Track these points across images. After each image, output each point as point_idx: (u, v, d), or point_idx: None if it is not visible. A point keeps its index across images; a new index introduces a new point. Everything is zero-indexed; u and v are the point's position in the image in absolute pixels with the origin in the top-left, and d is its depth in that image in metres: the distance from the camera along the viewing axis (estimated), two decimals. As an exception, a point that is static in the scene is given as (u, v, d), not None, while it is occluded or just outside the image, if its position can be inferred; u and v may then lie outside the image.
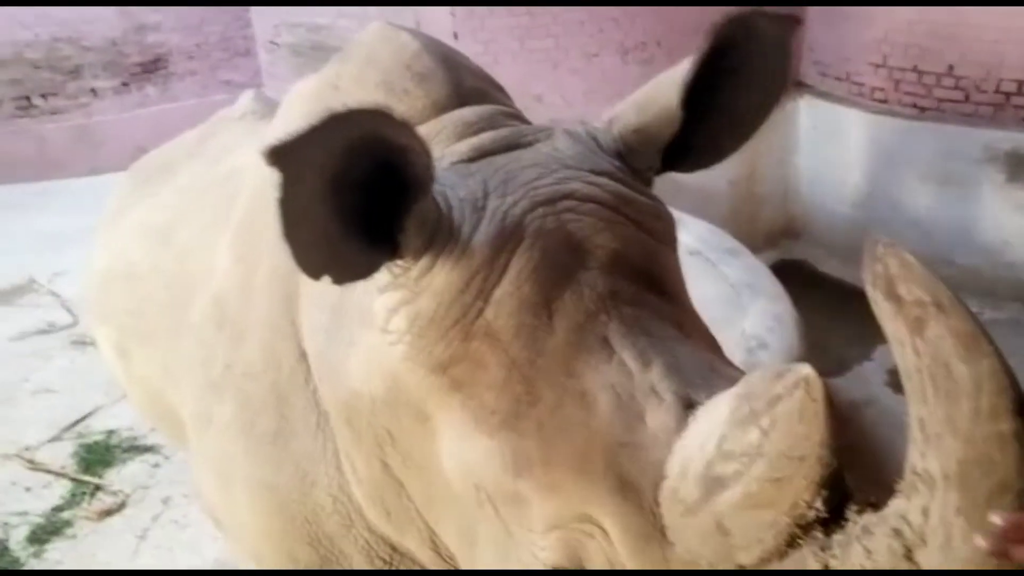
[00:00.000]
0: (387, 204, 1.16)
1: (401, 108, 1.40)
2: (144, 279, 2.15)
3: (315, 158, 1.01)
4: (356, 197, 1.10)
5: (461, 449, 1.21)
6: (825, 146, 5.27)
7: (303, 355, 1.58)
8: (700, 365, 1.17)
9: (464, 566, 1.37)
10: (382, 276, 1.22)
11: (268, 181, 1.40)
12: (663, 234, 1.31)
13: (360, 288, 1.32)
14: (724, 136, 1.35)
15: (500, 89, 1.66)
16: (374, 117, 1.02)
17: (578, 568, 1.10)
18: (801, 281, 4.41)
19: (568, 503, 1.10)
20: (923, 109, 4.86)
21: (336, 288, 1.42)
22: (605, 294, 1.19)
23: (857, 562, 0.91)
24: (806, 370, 0.95)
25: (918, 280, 0.85)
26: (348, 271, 1.16)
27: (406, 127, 1.05)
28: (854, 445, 1.01)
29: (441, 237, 1.19)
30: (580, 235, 1.22)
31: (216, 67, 8.64)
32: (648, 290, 1.24)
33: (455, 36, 5.13)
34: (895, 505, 0.90)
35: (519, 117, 1.52)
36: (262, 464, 1.64)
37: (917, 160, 4.80)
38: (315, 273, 1.12)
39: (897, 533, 0.89)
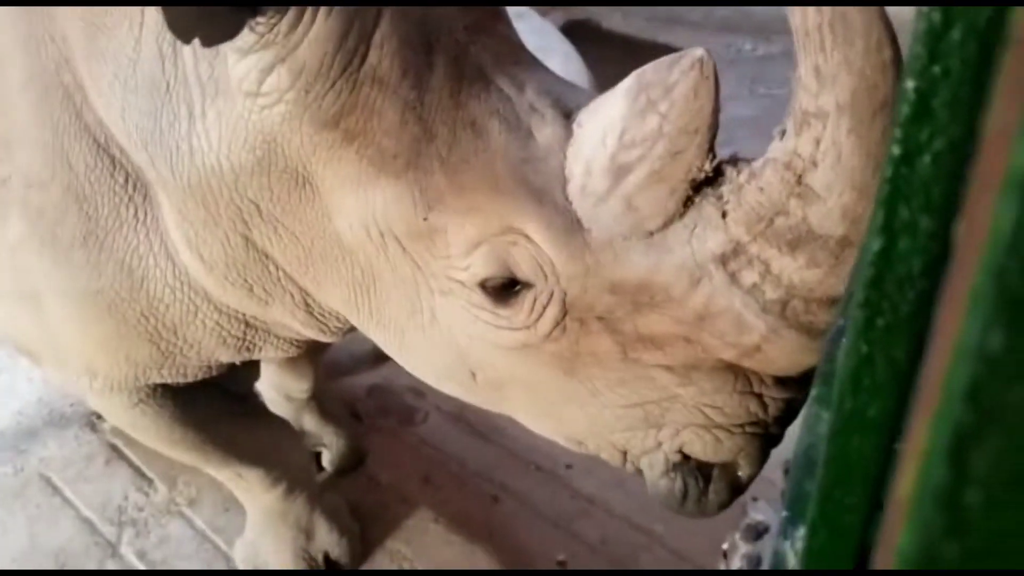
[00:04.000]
0: None
1: None
2: None
3: None
4: None
5: (362, 199, 1.26)
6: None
7: (102, 148, 1.49)
8: (560, 82, 1.29)
9: (358, 313, 1.45)
10: (243, 39, 1.21)
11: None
12: None
13: (191, 58, 1.30)
14: None
15: None
16: None
17: (507, 274, 1.23)
18: (588, 38, 4.45)
19: (489, 220, 1.22)
20: None
21: (149, 67, 1.37)
22: (470, 26, 1.25)
23: (752, 199, 1.09)
24: (699, 52, 1.11)
25: None
26: (217, 31, 1.16)
27: None
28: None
29: None
30: None
31: None
32: (496, 20, 1.31)
33: None
34: (783, 145, 1.08)
35: None
36: (77, 271, 1.56)
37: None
38: (186, 35, 1.14)
39: (788, 166, 1.07)
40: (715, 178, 1.13)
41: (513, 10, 4.31)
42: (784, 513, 0.96)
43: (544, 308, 1.24)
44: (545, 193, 1.19)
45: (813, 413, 1.03)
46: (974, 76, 0.50)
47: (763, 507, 1.13)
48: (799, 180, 1.06)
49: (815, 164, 1.04)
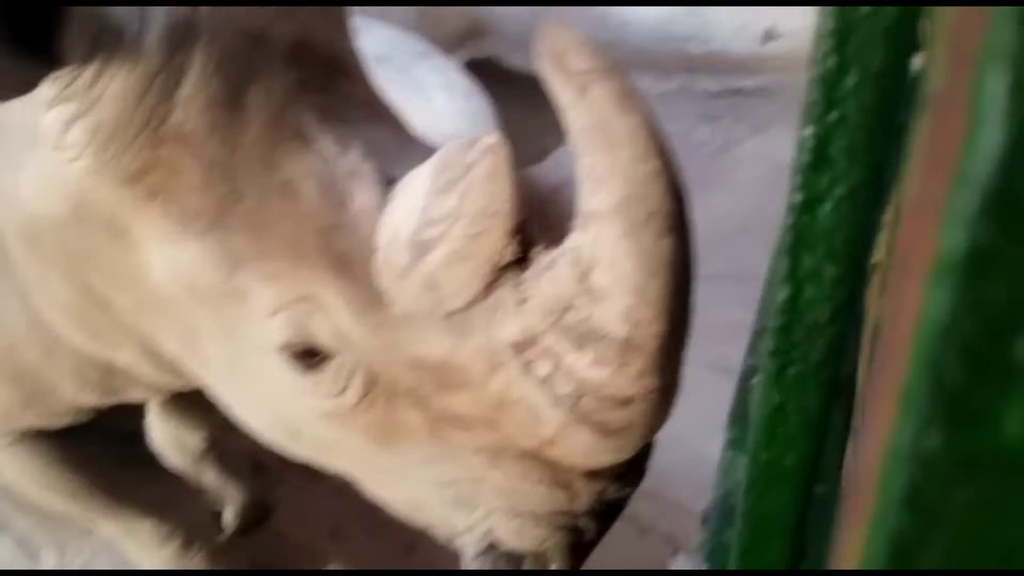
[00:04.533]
0: (39, 10, 1.12)
1: None
2: None
3: None
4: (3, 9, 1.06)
5: (168, 256, 1.22)
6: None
7: None
8: (394, 143, 1.24)
9: (190, 365, 1.41)
10: (47, 89, 1.17)
11: None
12: (338, 17, 1.32)
13: (17, 107, 1.22)
14: None
15: None
16: None
17: (307, 343, 1.19)
18: (491, 76, 4.47)
19: (289, 287, 1.17)
20: None
21: None
22: (294, 84, 1.20)
23: (547, 290, 1.07)
24: (491, 139, 1.08)
25: (581, 52, 0.99)
26: (5, 87, 1.11)
27: None
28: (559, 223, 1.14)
29: (106, 41, 1.15)
30: (258, 26, 1.20)
31: None
32: (335, 75, 1.26)
33: None
34: (572, 239, 1.06)
35: None
36: None
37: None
38: None
39: (575, 261, 1.05)
40: (523, 261, 1.11)
41: (417, 50, 4.31)
42: (704, 566, 0.94)
43: (348, 379, 1.20)
44: (349, 263, 1.16)
45: (727, 457, 1.02)
46: (871, 122, 0.49)
47: (684, 561, 1.10)
48: (584, 277, 1.05)
49: (596, 263, 1.03)
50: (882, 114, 0.49)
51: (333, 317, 1.17)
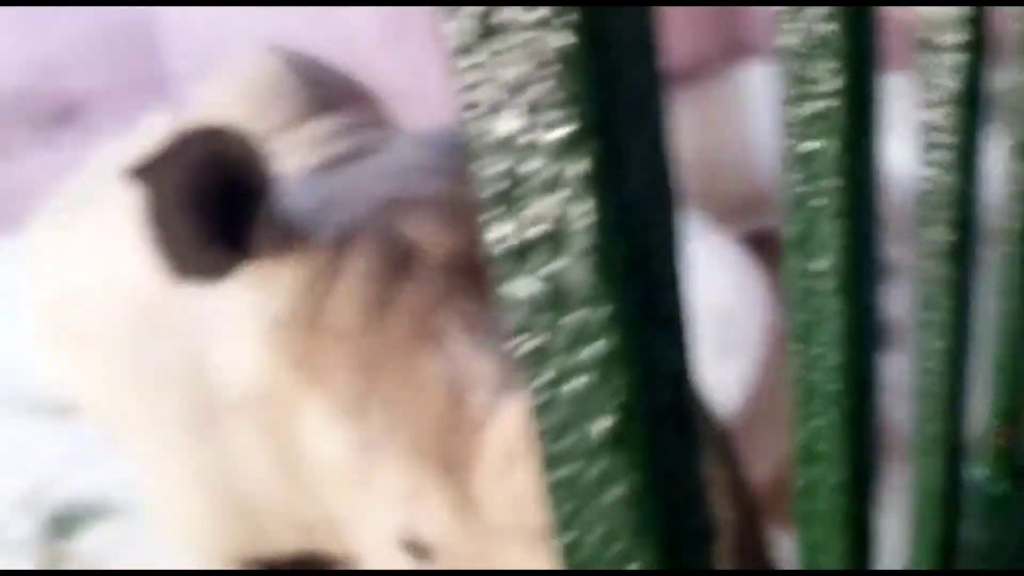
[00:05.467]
0: (239, 211, 1.27)
1: (263, 124, 1.51)
2: None
3: (172, 175, 1.15)
4: (211, 206, 1.22)
5: (323, 437, 1.36)
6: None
7: None
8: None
9: (351, 536, 1.49)
10: (232, 280, 1.31)
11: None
12: None
13: (212, 294, 1.41)
14: None
15: (365, 97, 1.79)
16: (221, 136, 1.19)
17: (415, 538, 1.26)
18: (775, 251, 4.30)
19: (407, 481, 1.25)
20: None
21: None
22: (441, 291, 1.30)
23: None
24: None
25: None
26: (210, 275, 1.26)
27: (248, 144, 1.22)
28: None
29: (286, 239, 1.30)
30: (416, 236, 1.32)
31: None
32: (485, 284, 1.30)
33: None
34: None
35: (378, 123, 1.65)
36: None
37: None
38: (183, 278, 1.25)
39: None
40: None
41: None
42: None
43: None
44: (458, 467, 1.23)
45: None
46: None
47: None
48: None
49: None
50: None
51: (437, 517, 1.22)
